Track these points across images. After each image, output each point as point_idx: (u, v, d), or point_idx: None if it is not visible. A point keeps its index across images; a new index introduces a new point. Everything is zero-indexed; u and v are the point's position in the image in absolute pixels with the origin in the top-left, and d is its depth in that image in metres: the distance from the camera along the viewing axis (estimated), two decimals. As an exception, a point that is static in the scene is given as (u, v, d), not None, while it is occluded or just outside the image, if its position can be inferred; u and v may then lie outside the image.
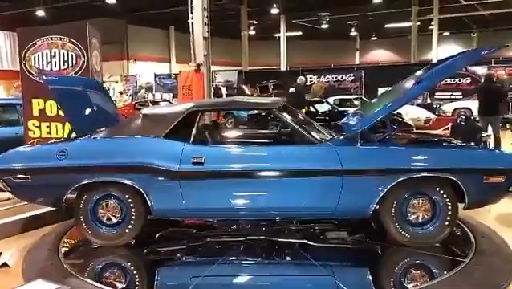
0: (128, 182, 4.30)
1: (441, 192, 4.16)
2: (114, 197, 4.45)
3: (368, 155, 4.23)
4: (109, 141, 4.68)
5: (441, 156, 4.28)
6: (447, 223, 4.20)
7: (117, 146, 4.56)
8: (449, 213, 4.18)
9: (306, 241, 4.49)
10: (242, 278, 4.13)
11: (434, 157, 4.23)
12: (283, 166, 4.21)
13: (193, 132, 4.39)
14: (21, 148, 4.90)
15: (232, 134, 4.99)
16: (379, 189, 4.11)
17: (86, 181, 4.36)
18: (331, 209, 4.22)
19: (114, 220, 4.48)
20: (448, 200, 4.16)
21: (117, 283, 3.88)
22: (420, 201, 4.21)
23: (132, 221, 4.43)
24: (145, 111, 4.96)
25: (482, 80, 12.97)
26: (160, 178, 4.27)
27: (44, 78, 5.32)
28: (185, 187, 4.26)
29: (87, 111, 5.13)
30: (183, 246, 4.62)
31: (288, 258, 4.34)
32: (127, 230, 4.46)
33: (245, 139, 4.98)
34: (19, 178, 4.47)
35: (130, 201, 4.40)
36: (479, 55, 4.51)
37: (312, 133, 4.46)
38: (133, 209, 4.41)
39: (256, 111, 11.45)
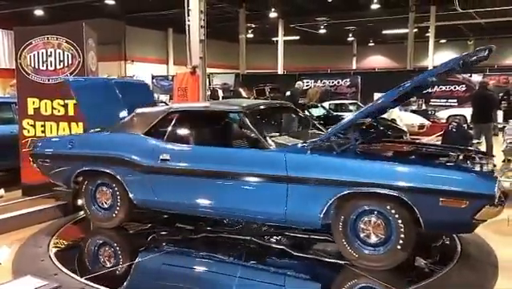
0: (111, 172, 4.89)
1: (393, 211, 3.79)
2: (106, 185, 5.03)
3: (314, 164, 4.07)
4: (104, 135, 5.25)
5: (392, 171, 3.84)
6: (399, 247, 3.80)
7: (107, 140, 5.16)
8: (402, 236, 3.77)
9: (284, 248, 4.50)
10: (196, 271, 4.36)
11: (383, 172, 3.84)
12: (233, 169, 4.32)
13: (167, 131, 4.79)
14: (48, 137, 5.93)
15: (202, 135, 5.04)
16: (324, 200, 3.94)
17: (83, 168, 5.05)
18: (280, 215, 4.19)
19: (105, 205, 5.10)
20: (400, 221, 3.77)
21: (106, 281, 3.91)
22: (372, 220, 3.90)
23: (118, 208, 5.00)
24: (137, 110, 5.21)
25: (477, 88, 13.08)
26: (134, 171, 4.77)
27: (70, 79, 5.82)
28: (154, 181, 4.71)
29: (106, 108, 5.55)
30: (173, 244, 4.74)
31: (252, 261, 4.28)
32: (113, 215, 5.04)
33: (212, 140, 4.96)
34: (43, 161, 5.33)
35: (116, 189, 4.97)
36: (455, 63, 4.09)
37: (269, 139, 4.37)
38: (118, 197, 4.97)
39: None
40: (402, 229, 3.77)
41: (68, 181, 5.24)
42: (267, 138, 4.38)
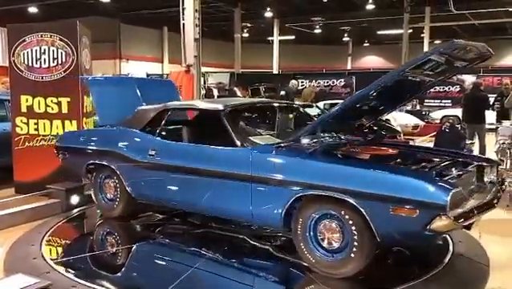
0: (111, 166, 5.14)
1: (346, 217, 3.62)
2: (110, 177, 5.29)
3: (275, 164, 4.01)
4: (108, 131, 5.56)
5: (346, 174, 3.68)
6: (352, 255, 3.63)
7: (109, 135, 5.45)
8: (355, 244, 3.60)
9: (269, 248, 4.48)
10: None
11: (337, 175, 3.70)
12: (206, 166, 4.39)
13: (159, 128, 4.98)
14: (70, 130, 6.12)
15: (185, 132, 5.07)
16: (283, 202, 3.86)
17: (91, 162, 5.37)
18: (247, 214, 4.19)
19: (109, 196, 5.38)
20: (353, 228, 3.60)
21: (98, 279, 3.90)
22: (329, 225, 3.75)
23: (118, 199, 5.25)
24: (139, 107, 5.43)
25: (469, 88, 13.15)
26: (129, 165, 5.00)
27: (89, 78, 6.11)
28: (144, 175, 4.92)
29: (121, 105, 5.66)
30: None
31: (233, 260, 4.28)
32: (114, 206, 5.31)
33: (193, 137, 4.96)
34: (63, 153, 5.74)
35: (117, 181, 5.21)
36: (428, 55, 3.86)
37: (245, 138, 4.33)
38: (118, 190, 5.22)
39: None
40: (356, 237, 3.59)
41: (82, 172, 5.59)
42: (240, 137, 4.31)
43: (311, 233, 3.84)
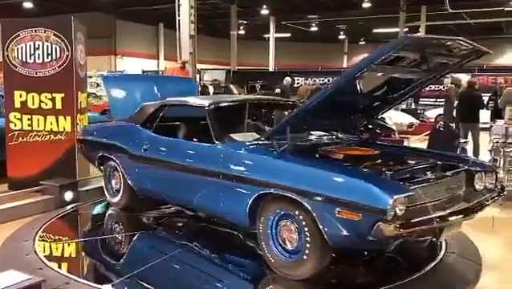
0: (114, 159, 5.36)
1: (300, 217, 3.54)
2: (116, 169, 5.46)
3: (241, 162, 4.00)
4: (114, 125, 5.90)
5: (299, 174, 3.61)
6: (305, 257, 3.55)
7: (114, 129, 5.75)
8: (308, 245, 3.52)
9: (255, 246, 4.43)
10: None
11: (291, 175, 3.63)
12: (186, 161, 4.47)
13: (155, 123, 5.09)
14: (86, 124, 6.54)
15: (176, 128, 5.17)
16: (246, 199, 3.83)
17: (100, 154, 5.64)
18: (220, 211, 4.25)
19: (116, 187, 5.54)
20: (306, 229, 3.51)
21: (91, 275, 3.90)
22: (289, 225, 3.67)
23: (122, 190, 5.44)
24: (144, 103, 5.50)
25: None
26: (127, 158, 5.18)
27: (105, 76, 6.57)
28: (140, 169, 5.06)
29: (136, 101, 5.80)
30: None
31: (214, 255, 4.33)
32: (119, 198, 5.52)
33: (182, 133, 5.05)
34: (80, 145, 6.11)
35: (120, 174, 5.39)
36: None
37: (220, 134, 4.30)
38: (122, 181, 5.39)
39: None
40: (308, 239, 3.51)
41: (95, 164, 5.91)
42: (218, 133, 4.30)
43: (272, 232, 3.78)
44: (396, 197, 3.13)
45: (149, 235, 4.95)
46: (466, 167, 4.09)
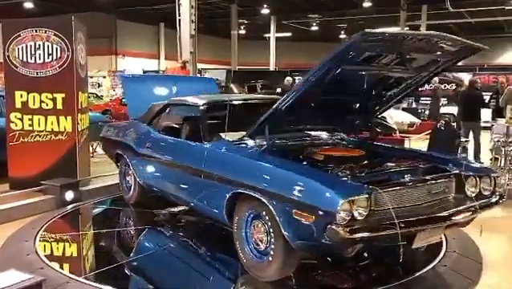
0: (125, 156, 5.63)
1: (267, 218, 3.49)
2: (129, 167, 5.65)
3: (220, 161, 4.06)
4: (126, 124, 6.19)
5: (264, 174, 3.59)
6: (270, 259, 3.50)
7: (127, 128, 5.93)
8: (273, 246, 3.47)
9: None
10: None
11: (258, 174, 3.61)
12: (177, 160, 4.62)
13: (158, 122, 5.32)
14: (109, 123, 7.09)
15: (174, 126, 5.21)
16: (222, 198, 3.85)
17: (115, 151, 5.93)
18: (204, 208, 4.30)
19: (129, 183, 5.75)
20: (271, 230, 3.45)
21: (92, 275, 3.90)
22: (259, 225, 3.61)
23: (132, 187, 5.66)
24: (154, 103, 5.70)
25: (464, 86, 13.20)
26: (134, 155, 5.41)
27: (124, 75, 6.73)
28: (144, 166, 5.25)
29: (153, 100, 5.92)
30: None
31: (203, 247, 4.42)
32: (130, 194, 5.76)
33: (179, 132, 5.06)
34: (102, 143, 6.75)
35: (131, 171, 5.58)
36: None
37: (208, 133, 4.35)
38: (133, 178, 5.60)
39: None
40: (273, 240, 3.46)
41: (113, 160, 6.17)
42: (207, 132, 4.38)
43: (246, 232, 3.75)
44: (349, 198, 3.01)
45: (151, 234, 4.96)
46: (456, 171, 3.83)
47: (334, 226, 2.97)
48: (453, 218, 3.49)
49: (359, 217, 3.07)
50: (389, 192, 3.32)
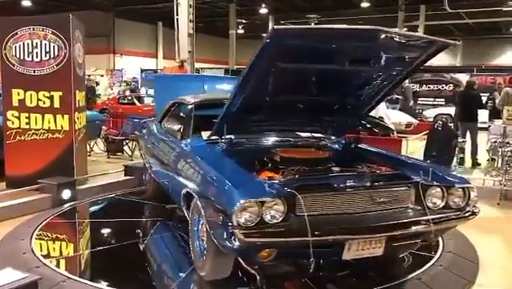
0: (142, 151, 6.14)
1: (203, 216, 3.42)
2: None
3: (184, 159, 4.09)
4: (143, 121, 6.50)
5: (200, 174, 3.57)
6: (204, 258, 3.47)
7: (144, 125, 6.17)
8: (205, 246, 3.44)
9: None
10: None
11: (197, 173, 3.63)
12: (164, 156, 4.78)
13: (164, 120, 5.50)
14: (136, 121, 7.18)
15: (173, 124, 5.16)
16: (180, 195, 3.88)
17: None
18: (178, 204, 4.31)
19: (147, 178, 6.10)
20: (206, 228, 3.35)
21: (88, 274, 3.90)
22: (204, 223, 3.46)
23: (149, 181, 6.02)
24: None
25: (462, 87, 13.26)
26: (146, 151, 5.80)
27: (155, 75, 6.86)
28: (153, 161, 5.38)
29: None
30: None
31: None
32: (147, 186, 6.17)
33: (176, 130, 5.08)
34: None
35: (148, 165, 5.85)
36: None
37: (193, 131, 4.39)
38: (149, 172, 5.81)
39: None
40: (205, 240, 3.45)
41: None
42: (190, 130, 4.43)
43: (197, 230, 3.67)
44: (251, 200, 2.85)
45: (148, 233, 4.95)
46: (418, 180, 3.46)
47: (230, 228, 2.84)
48: (396, 231, 3.18)
49: (273, 221, 2.92)
50: (316, 197, 3.13)
